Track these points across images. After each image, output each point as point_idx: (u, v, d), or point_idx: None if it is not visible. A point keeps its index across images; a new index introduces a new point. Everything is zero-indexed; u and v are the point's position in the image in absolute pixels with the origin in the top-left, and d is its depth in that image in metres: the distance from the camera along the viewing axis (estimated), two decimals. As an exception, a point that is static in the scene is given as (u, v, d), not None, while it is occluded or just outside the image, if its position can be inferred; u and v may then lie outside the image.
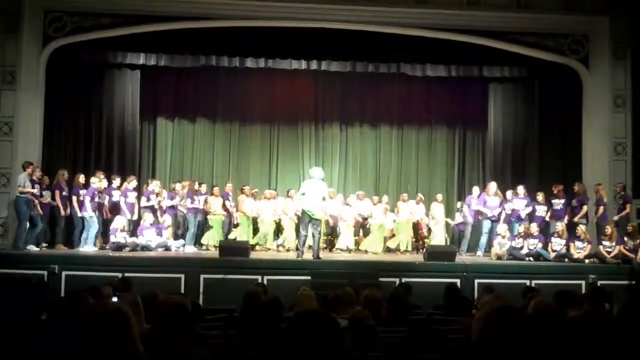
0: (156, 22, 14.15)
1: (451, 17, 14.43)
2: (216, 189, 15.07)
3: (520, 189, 14.61)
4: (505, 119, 16.70)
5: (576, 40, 14.94)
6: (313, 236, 12.38)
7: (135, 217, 14.12)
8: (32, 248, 12.57)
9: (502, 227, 14.02)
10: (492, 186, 14.76)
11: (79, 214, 13.36)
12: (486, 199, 14.61)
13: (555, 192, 14.34)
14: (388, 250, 15.26)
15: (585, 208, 13.92)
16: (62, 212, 13.46)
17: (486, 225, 14.51)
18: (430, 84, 17.06)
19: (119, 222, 13.46)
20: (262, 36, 14.62)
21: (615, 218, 13.56)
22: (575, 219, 13.89)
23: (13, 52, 13.70)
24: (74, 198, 13.44)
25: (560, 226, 13.60)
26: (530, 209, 14.42)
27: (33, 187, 12.62)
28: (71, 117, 15.49)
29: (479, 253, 14.48)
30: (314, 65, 15.75)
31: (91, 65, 15.27)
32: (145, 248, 13.25)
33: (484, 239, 14.51)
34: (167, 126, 17.11)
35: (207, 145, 17.31)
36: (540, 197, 14.46)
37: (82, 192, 13.49)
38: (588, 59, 14.93)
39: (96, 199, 13.45)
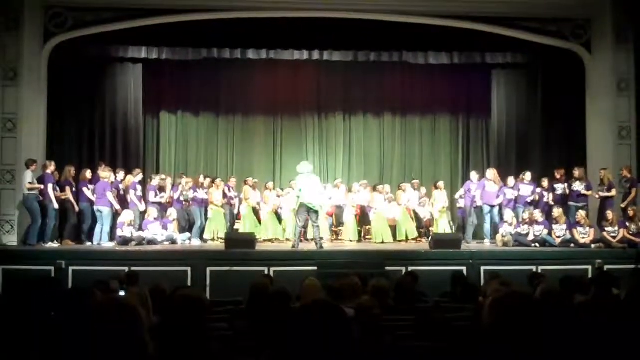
0: (157, 16, 14.13)
1: (453, 4, 14.37)
2: (218, 181, 15.08)
3: (528, 175, 14.60)
4: (509, 105, 16.67)
5: (578, 25, 14.86)
6: (313, 227, 12.43)
7: (144, 208, 14.10)
8: (51, 245, 12.64)
9: (508, 214, 14.00)
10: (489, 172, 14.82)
11: (96, 208, 13.39)
12: (485, 185, 14.65)
13: (557, 177, 14.34)
14: (395, 239, 15.25)
15: (590, 192, 13.92)
16: (76, 208, 13.42)
17: (486, 211, 14.56)
18: (433, 72, 17.00)
19: (126, 217, 13.47)
20: (264, 27, 14.57)
21: (623, 205, 13.46)
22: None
23: (15, 49, 13.67)
24: (85, 192, 13.48)
25: (556, 212, 13.58)
26: (536, 195, 14.43)
27: (45, 183, 12.67)
28: (74, 113, 15.48)
29: (486, 241, 14.46)
30: (315, 55, 15.72)
31: (93, 60, 15.26)
32: (151, 242, 13.28)
33: (487, 226, 14.55)
34: (170, 119, 17.12)
35: (210, 137, 17.31)
36: (545, 183, 14.46)
37: (91, 186, 13.54)
38: (590, 44, 14.86)
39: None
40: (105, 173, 13.65)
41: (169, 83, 17.00)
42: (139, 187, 14.23)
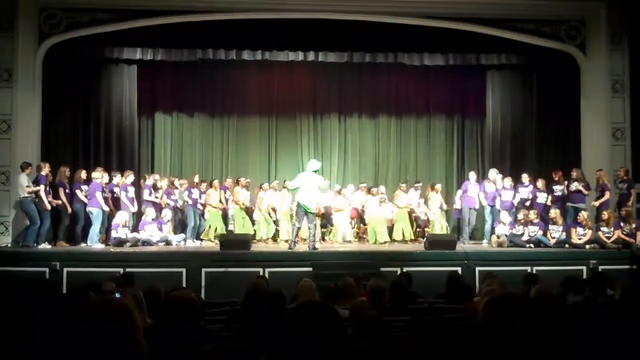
0: (152, 17, 14.10)
1: (448, 5, 14.38)
2: (215, 182, 15.09)
3: (525, 177, 14.64)
4: (504, 106, 16.68)
5: (573, 26, 14.89)
6: (309, 228, 12.43)
7: (135, 209, 14.09)
8: (45, 246, 12.63)
9: (503, 215, 14.03)
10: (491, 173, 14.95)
11: (88, 209, 13.34)
12: (486, 185, 14.79)
13: (555, 178, 14.36)
14: (391, 240, 15.22)
15: (587, 193, 13.95)
16: (69, 210, 13.41)
17: (487, 212, 14.65)
18: (428, 73, 17.02)
19: (121, 218, 13.44)
20: (259, 28, 14.56)
21: (630, 204, 13.44)
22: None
23: (9, 50, 13.67)
24: (78, 193, 13.47)
25: (553, 213, 13.60)
26: (530, 195, 14.47)
27: (39, 185, 12.66)
28: (69, 114, 15.44)
29: (484, 242, 14.53)
30: (311, 56, 15.68)
31: (88, 61, 15.22)
32: (146, 243, 13.25)
33: (487, 227, 14.65)
34: (165, 121, 17.08)
35: (205, 138, 17.28)
36: (540, 184, 14.47)
37: (84, 187, 13.52)
38: (585, 45, 14.88)
39: (102, 194, 13.46)
40: (96, 174, 13.61)
41: (163, 84, 16.97)
42: (131, 189, 14.15)
